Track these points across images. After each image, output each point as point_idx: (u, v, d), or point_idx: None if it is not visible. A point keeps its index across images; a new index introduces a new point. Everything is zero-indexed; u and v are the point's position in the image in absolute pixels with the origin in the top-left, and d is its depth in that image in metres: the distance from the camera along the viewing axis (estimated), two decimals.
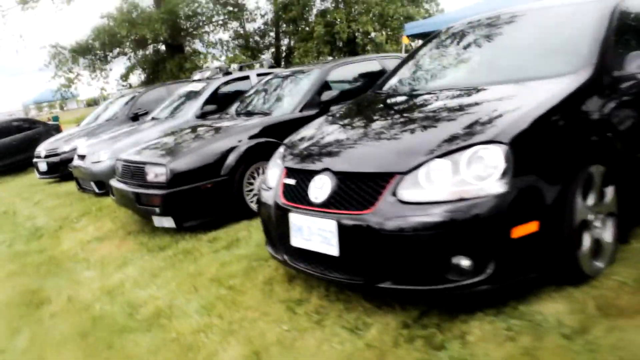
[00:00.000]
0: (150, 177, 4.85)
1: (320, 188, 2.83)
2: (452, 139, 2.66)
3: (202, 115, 7.58)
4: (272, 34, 21.17)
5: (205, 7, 19.11)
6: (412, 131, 2.95)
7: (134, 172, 5.10)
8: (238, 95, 8.26)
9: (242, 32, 20.97)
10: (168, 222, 4.80)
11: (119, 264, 4.55)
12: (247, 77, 8.39)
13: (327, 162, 2.94)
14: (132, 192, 4.98)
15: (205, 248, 4.43)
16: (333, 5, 18.62)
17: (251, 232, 4.54)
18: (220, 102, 7.89)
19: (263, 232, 3.51)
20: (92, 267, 4.67)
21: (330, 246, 2.73)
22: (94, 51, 17.86)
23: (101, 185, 7.28)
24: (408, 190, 2.57)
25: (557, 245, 2.61)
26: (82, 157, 7.75)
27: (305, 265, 2.97)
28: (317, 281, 3.25)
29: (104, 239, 5.43)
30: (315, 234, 2.79)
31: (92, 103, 53.57)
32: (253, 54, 19.72)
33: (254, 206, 4.99)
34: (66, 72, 17.67)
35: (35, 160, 10.29)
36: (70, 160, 9.51)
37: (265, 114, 5.56)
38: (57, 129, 15.62)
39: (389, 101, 3.68)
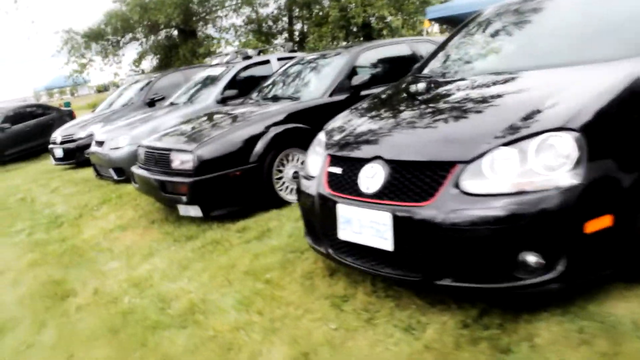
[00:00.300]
0: (176, 164, 4.66)
1: (372, 177, 2.62)
2: (516, 125, 2.43)
3: (223, 101, 7.39)
4: (285, 18, 20.79)
5: None
6: (470, 117, 2.71)
7: (158, 159, 4.91)
8: (259, 80, 8.07)
9: (254, 17, 20.62)
10: (194, 211, 4.62)
11: (144, 255, 4.37)
12: (267, 62, 8.18)
13: (378, 149, 2.72)
14: (156, 179, 4.79)
15: (235, 238, 4.24)
16: None
17: (282, 222, 4.34)
18: (240, 86, 7.69)
19: (303, 222, 3.31)
20: (116, 258, 4.50)
21: (383, 240, 2.53)
22: (106, 36, 17.63)
23: (120, 172, 7.11)
24: (471, 181, 2.35)
25: (632, 240, 2.39)
26: (100, 143, 7.57)
27: (353, 260, 2.78)
28: (362, 275, 3.06)
29: (127, 227, 5.25)
30: (367, 226, 2.59)
31: (102, 89, 53.57)
32: (267, 39, 19.41)
33: (283, 194, 4.80)
34: (79, 57, 17.46)
35: (50, 146, 10.14)
36: (87, 146, 9.36)
37: (293, 99, 5.33)
38: (71, 115, 15.49)
39: (435, 85, 3.44)
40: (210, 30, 19.87)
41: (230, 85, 7.66)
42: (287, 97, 5.45)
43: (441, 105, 3.02)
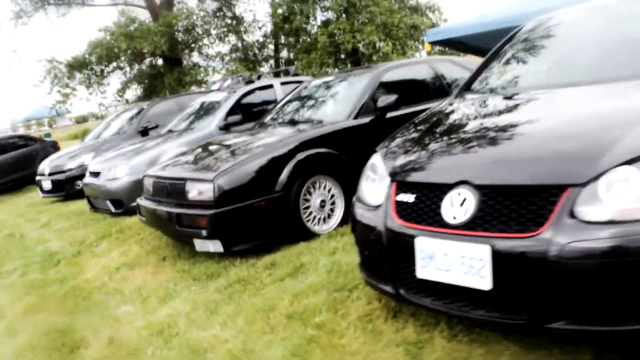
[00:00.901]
0: (193, 194, 4.22)
1: (459, 205, 2.24)
2: (633, 141, 2.09)
3: (226, 127, 7.00)
4: (271, 46, 20.63)
5: (203, 20, 18.56)
6: (569, 134, 2.36)
7: (171, 189, 4.47)
8: (262, 105, 7.73)
9: (240, 45, 20.41)
10: (214, 246, 4.17)
11: (161, 296, 3.90)
12: (270, 86, 7.83)
13: (463, 173, 2.33)
14: (169, 212, 4.34)
15: (265, 276, 3.80)
16: (335, 16, 18.16)
17: (316, 256, 3.92)
18: (243, 112, 7.33)
19: (361, 257, 2.90)
20: (128, 300, 4.01)
21: (479, 278, 2.13)
22: (91, 66, 17.15)
23: (119, 204, 6.62)
24: (587, 207, 1.98)
25: None
26: (95, 174, 7.08)
27: (433, 301, 2.36)
28: (433, 316, 2.65)
29: (134, 265, 4.76)
30: (456, 262, 2.19)
31: (81, 120, 52.64)
32: (253, 66, 19.15)
33: (311, 226, 4.38)
34: (63, 87, 16.92)
35: (38, 178, 9.57)
36: (77, 177, 8.88)
37: (315, 122, 4.95)
38: (55, 146, 14.91)
39: (508, 100, 3.09)
40: (195, 58, 19.59)
41: (233, 111, 7.28)
42: (307, 121, 5.08)
43: (524, 122, 2.66)
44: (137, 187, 6.42)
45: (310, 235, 4.36)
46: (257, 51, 20.80)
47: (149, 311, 3.71)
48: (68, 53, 18.24)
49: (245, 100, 7.53)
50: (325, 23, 17.57)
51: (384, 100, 4.83)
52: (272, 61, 20.52)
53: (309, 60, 16.98)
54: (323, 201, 4.47)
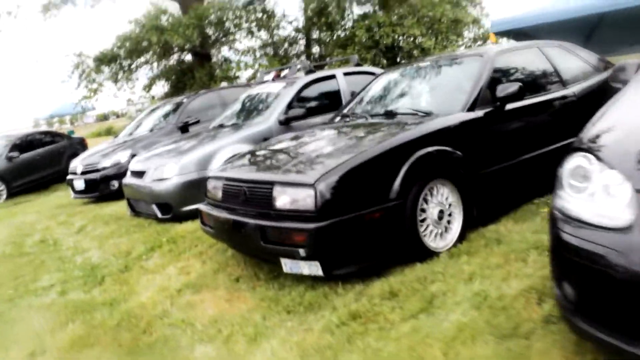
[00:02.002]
0: (283, 202, 3.30)
1: None
2: None
3: (287, 121, 6.10)
4: (302, 41, 19.72)
5: (234, 13, 17.68)
6: None
7: (250, 195, 3.55)
8: (324, 97, 6.83)
9: (270, 40, 19.52)
10: (310, 268, 3.24)
11: (250, 335, 2.97)
12: (332, 77, 6.91)
13: None
14: (251, 224, 3.42)
15: (388, 311, 2.86)
16: (371, 10, 17.21)
17: (449, 284, 2.98)
18: (303, 105, 6.44)
19: (575, 297, 1.95)
20: (205, 338, 3.09)
21: None
22: (119, 60, 16.36)
23: (166, 208, 5.73)
24: None
25: None
26: (138, 173, 6.20)
27: None
28: None
29: (201, 287, 3.85)
30: None
31: (102, 118, 52.17)
32: (284, 62, 18.25)
33: (428, 242, 3.44)
34: (90, 81, 16.16)
35: (70, 177, 8.72)
36: (112, 177, 8.05)
37: (421, 114, 4.00)
38: (82, 143, 14.16)
39: None
40: (225, 53, 18.75)
41: (292, 103, 6.38)
42: (409, 113, 4.12)
43: None
44: (188, 190, 5.58)
45: (425, 254, 3.42)
46: (287, 46, 19.93)
47: (239, 357, 2.79)
48: (96, 48, 17.50)
49: (305, 92, 6.62)
50: (363, 17, 16.60)
51: (505, 89, 3.88)
52: (303, 57, 19.61)
53: (346, 55, 16.02)
54: (441, 211, 3.53)
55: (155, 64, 18.54)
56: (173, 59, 18.91)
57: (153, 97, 19.21)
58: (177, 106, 9.66)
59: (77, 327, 3.66)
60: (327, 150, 3.59)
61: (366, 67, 7.37)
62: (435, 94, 4.28)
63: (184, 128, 8.64)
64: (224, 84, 14.31)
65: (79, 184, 8.38)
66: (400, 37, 15.93)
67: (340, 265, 3.23)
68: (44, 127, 44.58)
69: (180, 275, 4.19)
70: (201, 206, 4.17)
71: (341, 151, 3.46)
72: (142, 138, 8.70)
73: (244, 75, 17.42)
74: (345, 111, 4.89)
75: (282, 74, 7.22)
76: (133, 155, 8.11)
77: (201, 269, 4.18)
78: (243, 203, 3.61)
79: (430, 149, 3.49)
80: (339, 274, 3.26)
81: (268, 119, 6.17)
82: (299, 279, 3.47)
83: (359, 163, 3.25)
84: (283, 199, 3.31)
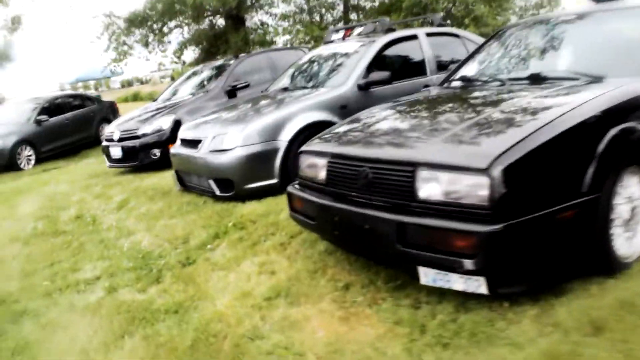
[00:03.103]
0: (432, 192, 2.30)
1: None
2: None
3: (367, 85, 5.09)
4: (340, 7, 18.45)
5: None
6: None
7: (378, 179, 2.55)
8: (404, 60, 5.79)
9: (306, 6, 18.28)
10: (468, 284, 2.27)
11: None
12: (414, 37, 5.83)
13: None
14: (383, 220, 2.44)
15: (604, 355, 1.89)
16: None
17: None
18: (381, 68, 5.40)
19: None
20: None
21: None
22: (150, 22, 15.30)
23: (227, 185, 4.77)
24: None
25: None
26: (190, 142, 5.23)
27: None
28: None
29: (297, 296, 2.88)
30: None
31: (126, 85, 51.29)
32: (322, 29, 17.04)
33: (619, 247, 2.44)
34: (121, 43, 15.17)
35: (105, 144, 7.78)
36: (153, 145, 7.11)
37: (588, 78, 2.91)
38: (112, 107, 13.27)
39: None
40: (259, 17, 17.57)
41: (371, 66, 5.34)
42: (568, 77, 3.04)
43: None
44: (253, 164, 4.66)
45: (614, 265, 2.43)
46: (323, 12, 18.68)
47: None
48: (127, 9, 16.41)
49: (385, 54, 5.57)
50: None
51: None
52: (341, 24, 18.37)
53: None
54: (634, 208, 2.52)
55: (186, 29, 17.50)
56: (205, 24, 17.82)
57: (184, 63, 18.21)
58: (220, 69, 8.66)
59: (137, 345, 2.75)
60: (493, 121, 2.55)
61: (450, 28, 6.25)
62: (608, 52, 3.18)
63: (232, 92, 7.65)
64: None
65: (116, 152, 7.45)
66: (451, 4, 14.62)
67: (510, 282, 2.27)
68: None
69: (263, 275, 3.23)
70: (293, 189, 3.20)
71: (514, 124, 2.43)
72: (185, 103, 7.70)
73: (280, 41, 16.31)
74: (462, 75, 3.82)
75: (355, 32, 6.14)
76: (177, 122, 7.17)
77: (290, 268, 3.22)
78: (364, 189, 2.62)
79: (624, 125, 2.45)
80: (505, 293, 2.28)
81: (345, 83, 5.14)
82: (436, 291, 2.50)
83: (547, 139, 2.23)
84: (431, 188, 2.32)
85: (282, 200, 3.83)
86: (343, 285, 2.86)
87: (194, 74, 9.29)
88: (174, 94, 8.87)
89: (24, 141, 10.54)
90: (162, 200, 5.44)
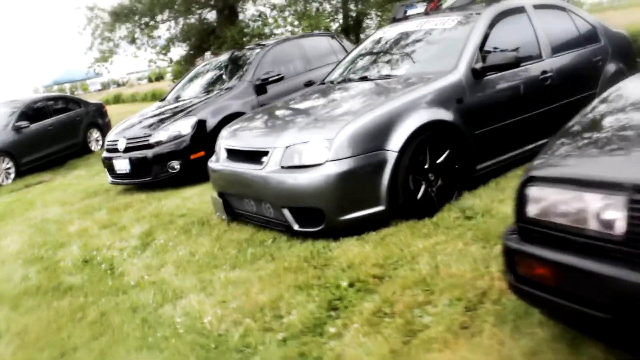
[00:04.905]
0: None
1: None
2: None
3: (483, 71, 3.60)
4: None
5: None
6: None
7: None
8: (514, 39, 4.33)
9: None
10: None
11: None
12: (521, 10, 4.35)
13: None
14: None
15: None
16: None
17: None
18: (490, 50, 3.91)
19: None
20: None
21: None
22: (138, 15, 13.51)
23: (310, 216, 3.21)
24: None
25: None
26: (244, 154, 3.66)
27: None
28: None
29: None
30: None
31: (102, 87, 48.78)
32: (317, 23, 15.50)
33: None
34: (105, 40, 13.34)
35: (106, 155, 6.09)
36: (171, 155, 5.54)
37: None
38: (101, 110, 11.49)
39: None
40: (253, 10, 15.91)
41: (482, 46, 3.85)
42: None
43: None
44: (350, 185, 3.09)
45: None
46: (320, 3, 17.10)
47: None
48: (111, 2, 14.45)
49: (493, 31, 4.07)
50: None
51: None
52: (340, 16, 16.84)
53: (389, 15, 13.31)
54: None
55: (173, 23, 15.73)
56: (194, 18, 16.09)
57: (171, 60, 16.44)
58: (236, 61, 7.07)
59: None
60: None
61: (558, 1, 4.78)
62: None
63: (261, 87, 6.09)
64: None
65: (122, 165, 5.78)
66: None
67: None
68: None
69: None
70: (518, 244, 1.69)
71: None
72: (205, 102, 6.07)
73: (280, 33, 14.69)
74: None
75: (445, 4, 4.63)
76: (200, 123, 5.57)
77: None
78: None
79: None
80: None
81: (456, 68, 3.64)
82: None
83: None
84: None
85: (397, 237, 2.41)
86: None
87: (203, 68, 7.65)
88: (182, 92, 7.23)
89: (1, 152, 8.72)
90: (204, 236, 3.84)
